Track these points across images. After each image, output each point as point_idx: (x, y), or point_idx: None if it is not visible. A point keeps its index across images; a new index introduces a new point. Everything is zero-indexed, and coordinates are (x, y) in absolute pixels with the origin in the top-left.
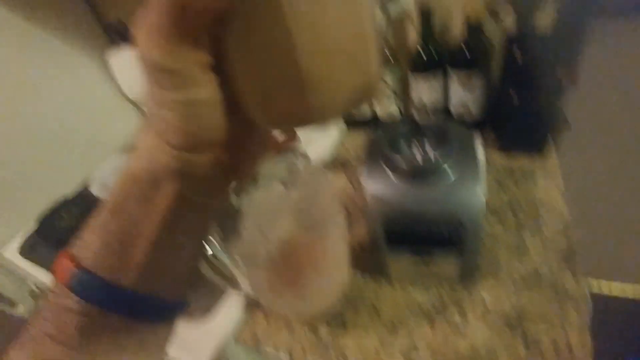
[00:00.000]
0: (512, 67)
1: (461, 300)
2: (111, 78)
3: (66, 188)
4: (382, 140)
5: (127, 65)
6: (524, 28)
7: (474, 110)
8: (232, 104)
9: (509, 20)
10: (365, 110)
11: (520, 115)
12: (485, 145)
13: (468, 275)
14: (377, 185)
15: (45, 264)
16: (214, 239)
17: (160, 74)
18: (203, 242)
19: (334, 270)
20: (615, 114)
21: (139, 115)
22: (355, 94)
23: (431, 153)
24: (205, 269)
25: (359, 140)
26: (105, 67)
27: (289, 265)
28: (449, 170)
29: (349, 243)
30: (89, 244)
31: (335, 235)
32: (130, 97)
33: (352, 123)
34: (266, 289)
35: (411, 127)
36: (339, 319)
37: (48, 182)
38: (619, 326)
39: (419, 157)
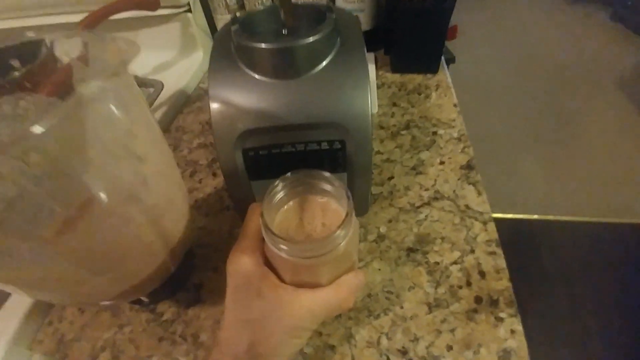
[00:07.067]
0: None
1: None
2: None
3: None
4: (238, 27)
5: None
6: None
7: (364, 24)
8: None
9: None
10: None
11: (413, 30)
12: (378, 66)
13: (360, 205)
14: (231, 89)
15: None
16: None
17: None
18: None
19: (167, 214)
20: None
21: None
22: None
23: (306, 41)
24: None
25: None
26: None
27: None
28: (328, 64)
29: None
30: None
31: (167, 168)
32: None
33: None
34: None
35: (281, 8)
36: (192, 288)
37: None
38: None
39: (289, 46)
